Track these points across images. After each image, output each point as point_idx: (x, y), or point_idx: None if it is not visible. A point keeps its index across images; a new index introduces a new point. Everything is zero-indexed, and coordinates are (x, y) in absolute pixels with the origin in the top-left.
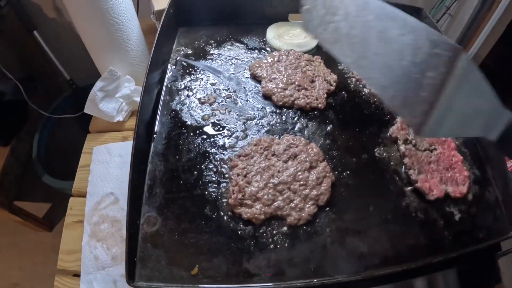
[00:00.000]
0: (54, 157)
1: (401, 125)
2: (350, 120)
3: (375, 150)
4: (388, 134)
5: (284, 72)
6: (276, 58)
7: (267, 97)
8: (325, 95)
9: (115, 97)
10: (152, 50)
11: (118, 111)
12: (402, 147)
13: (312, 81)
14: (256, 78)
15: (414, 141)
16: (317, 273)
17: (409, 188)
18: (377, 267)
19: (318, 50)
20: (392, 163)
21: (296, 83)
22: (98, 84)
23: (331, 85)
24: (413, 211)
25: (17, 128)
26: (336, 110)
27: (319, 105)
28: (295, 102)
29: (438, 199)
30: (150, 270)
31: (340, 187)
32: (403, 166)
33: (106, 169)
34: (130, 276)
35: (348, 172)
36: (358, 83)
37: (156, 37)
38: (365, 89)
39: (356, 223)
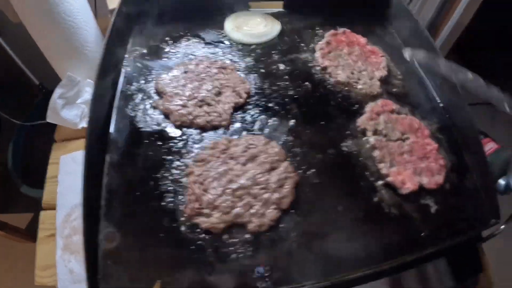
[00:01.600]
0: (31, 166)
1: (371, 115)
2: (315, 114)
3: (342, 144)
4: (356, 125)
5: (188, 86)
6: (183, 69)
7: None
8: (231, 110)
9: (77, 103)
10: (101, 55)
11: (81, 117)
12: (371, 139)
13: (219, 93)
14: (160, 94)
15: (384, 131)
16: (284, 281)
17: (380, 182)
18: (347, 271)
19: (280, 39)
20: (361, 157)
21: (199, 98)
22: (58, 91)
23: (240, 97)
24: (386, 208)
25: None
26: (300, 103)
27: (222, 122)
28: (194, 121)
29: (413, 192)
30: None
31: (305, 187)
32: (374, 160)
33: (74, 179)
34: None
35: (314, 170)
36: (323, 71)
37: (106, 40)
38: (331, 78)
39: (324, 225)
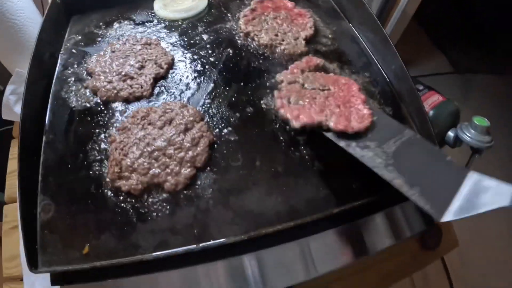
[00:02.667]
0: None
1: (292, 69)
2: (234, 76)
3: (262, 101)
4: (276, 81)
5: (114, 64)
6: (110, 49)
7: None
8: (151, 81)
9: None
10: (34, 46)
11: None
12: (283, 86)
13: (142, 67)
14: (90, 74)
15: (302, 81)
16: (201, 238)
17: (303, 136)
18: (267, 225)
19: (209, 12)
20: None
21: (123, 73)
22: (9, 88)
23: (161, 68)
24: (309, 161)
25: None
26: (220, 69)
27: (144, 93)
28: (118, 94)
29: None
30: (50, 255)
31: (222, 145)
32: None
33: None
34: (32, 263)
35: (230, 128)
36: (246, 37)
37: (39, 31)
38: (253, 43)
39: (241, 180)
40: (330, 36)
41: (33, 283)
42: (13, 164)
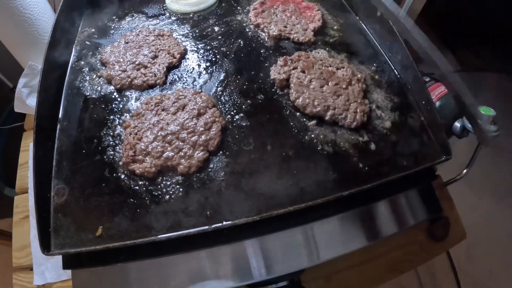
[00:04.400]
0: (12, 168)
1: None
2: (246, 66)
3: (273, 89)
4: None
5: (128, 54)
6: (124, 40)
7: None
8: (165, 69)
9: None
10: (49, 37)
11: None
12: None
13: (155, 57)
14: (104, 64)
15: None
16: (213, 220)
17: (313, 122)
18: (278, 207)
19: (219, 5)
20: (291, 97)
21: (137, 62)
22: (21, 80)
23: (174, 57)
24: (319, 145)
25: None
26: (231, 58)
27: (157, 81)
28: (133, 82)
29: (350, 129)
30: (63, 238)
31: (233, 130)
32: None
33: None
34: (45, 246)
35: (242, 114)
36: (256, 29)
37: (53, 24)
38: (263, 33)
39: (253, 164)
40: (337, 28)
41: (42, 272)
42: (24, 156)
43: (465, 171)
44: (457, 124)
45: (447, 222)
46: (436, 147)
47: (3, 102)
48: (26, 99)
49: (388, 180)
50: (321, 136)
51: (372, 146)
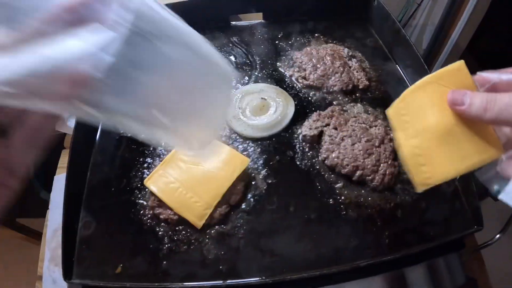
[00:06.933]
0: (50, 172)
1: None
2: None
3: (303, 145)
4: None
5: None
6: None
7: None
8: None
9: None
10: None
11: None
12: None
13: None
14: None
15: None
16: (229, 275)
17: (339, 185)
18: (293, 271)
19: None
20: (321, 157)
21: None
22: None
23: None
24: (343, 210)
25: None
26: None
27: None
28: None
29: (377, 191)
30: (84, 269)
31: (258, 186)
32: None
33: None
34: (67, 274)
35: (268, 171)
36: (295, 80)
37: None
38: (298, 85)
39: (274, 224)
40: (375, 79)
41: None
42: (61, 172)
43: (498, 236)
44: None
45: (476, 285)
46: (467, 215)
47: None
48: (67, 120)
49: (411, 253)
50: (347, 200)
51: (399, 213)
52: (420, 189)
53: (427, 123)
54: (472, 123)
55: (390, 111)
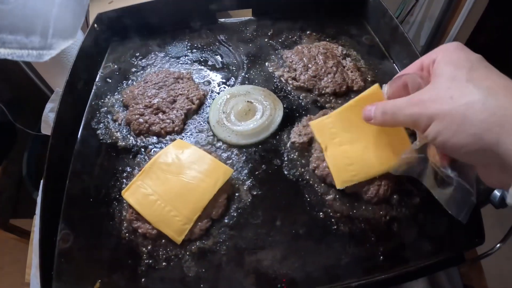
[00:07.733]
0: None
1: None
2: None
3: (292, 154)
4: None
5: (146, 95)
6: (143, 81)
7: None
8: (183, 116)
9: None
10: (68, 74)
11: None
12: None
13: (174, 101)
14: (125, 106)
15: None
16: None
17: (330, 196)
18: None
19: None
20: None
21: (154, 106)
22: (48, 106)
23: (193, 103)
24: (333, 224)
25: (6, 149)
26: None
27: (175, 128)
28: (150, 128)
29: (371, 205)
30: (63, 284)
31: (243, 199)
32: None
33: None
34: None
35: (254, 181)
36: (285, 81)
37: (75, 58)
38: (288, 87)
39: (258, 240)
40: (371, 79)
41: None
42: None
43: (498, 245)
44: (497, 193)
45: None
46: (468, 228)
47: (41, 110)
48: (52, 123)
49: (408, 271)
50: (338, 214)
51: (395, 227)
52: (342, 185)
53: (354, 135)
54: (390, 129)
55: (315, 123)
